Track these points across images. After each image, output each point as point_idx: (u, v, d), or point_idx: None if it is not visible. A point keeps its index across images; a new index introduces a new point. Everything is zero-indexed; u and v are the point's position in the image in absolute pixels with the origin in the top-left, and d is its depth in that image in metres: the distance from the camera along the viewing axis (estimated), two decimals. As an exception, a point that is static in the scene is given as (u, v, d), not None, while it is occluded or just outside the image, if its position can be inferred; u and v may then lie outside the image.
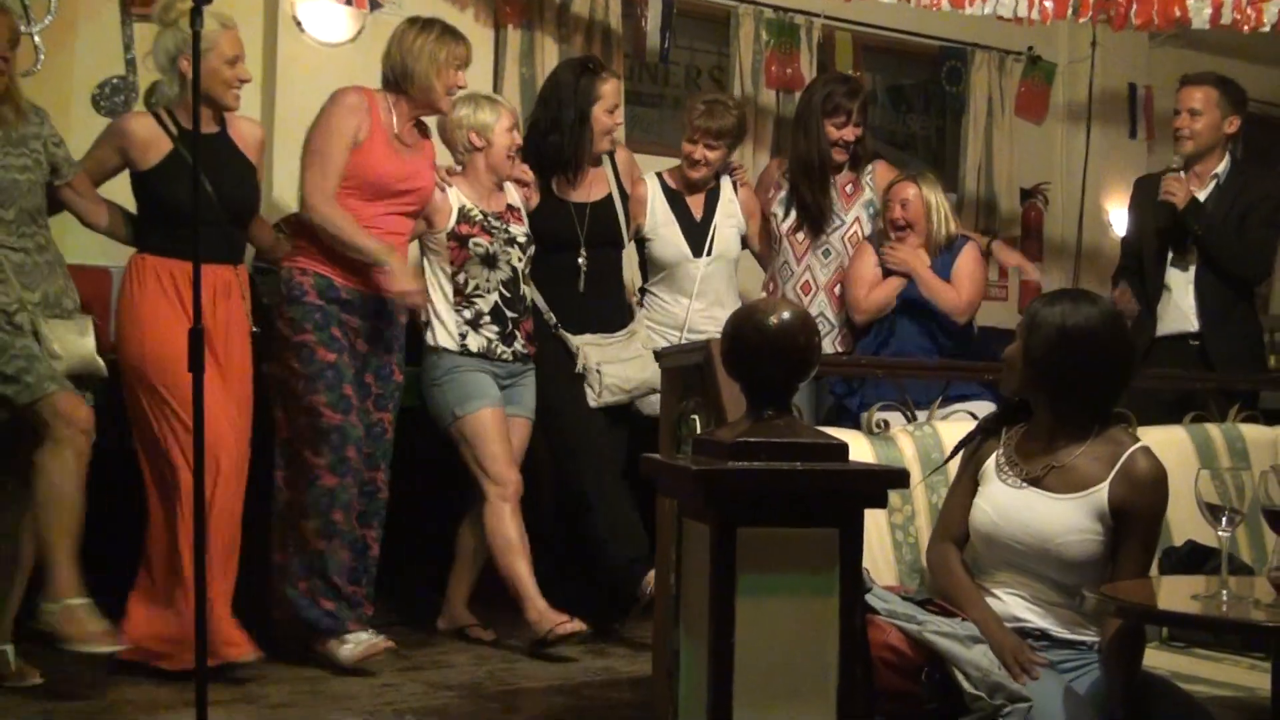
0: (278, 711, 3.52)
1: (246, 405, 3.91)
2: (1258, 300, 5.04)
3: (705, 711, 2.07)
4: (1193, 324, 4.65)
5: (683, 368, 3.14)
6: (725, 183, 4.76)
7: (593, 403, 4.39)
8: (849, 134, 4.68)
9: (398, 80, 4.07)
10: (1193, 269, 4.65)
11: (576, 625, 4.13)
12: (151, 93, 4.68)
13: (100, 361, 3.71)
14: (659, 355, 3.46)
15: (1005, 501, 2.69)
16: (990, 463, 2.76)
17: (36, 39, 4.56)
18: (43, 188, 3.71)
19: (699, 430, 2.93)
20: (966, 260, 4.56)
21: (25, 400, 3.50)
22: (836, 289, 4.67)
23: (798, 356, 2.16)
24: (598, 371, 4.37)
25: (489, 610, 4.44)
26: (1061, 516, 2.64)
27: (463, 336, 4.24)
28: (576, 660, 4.15)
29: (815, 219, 4.69)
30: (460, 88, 4.15)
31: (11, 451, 3.65)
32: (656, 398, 4.37)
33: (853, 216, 4.73)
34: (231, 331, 3.86)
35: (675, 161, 4.80)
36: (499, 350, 4.27)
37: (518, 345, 4.32)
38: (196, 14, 2.93)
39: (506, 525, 4.19)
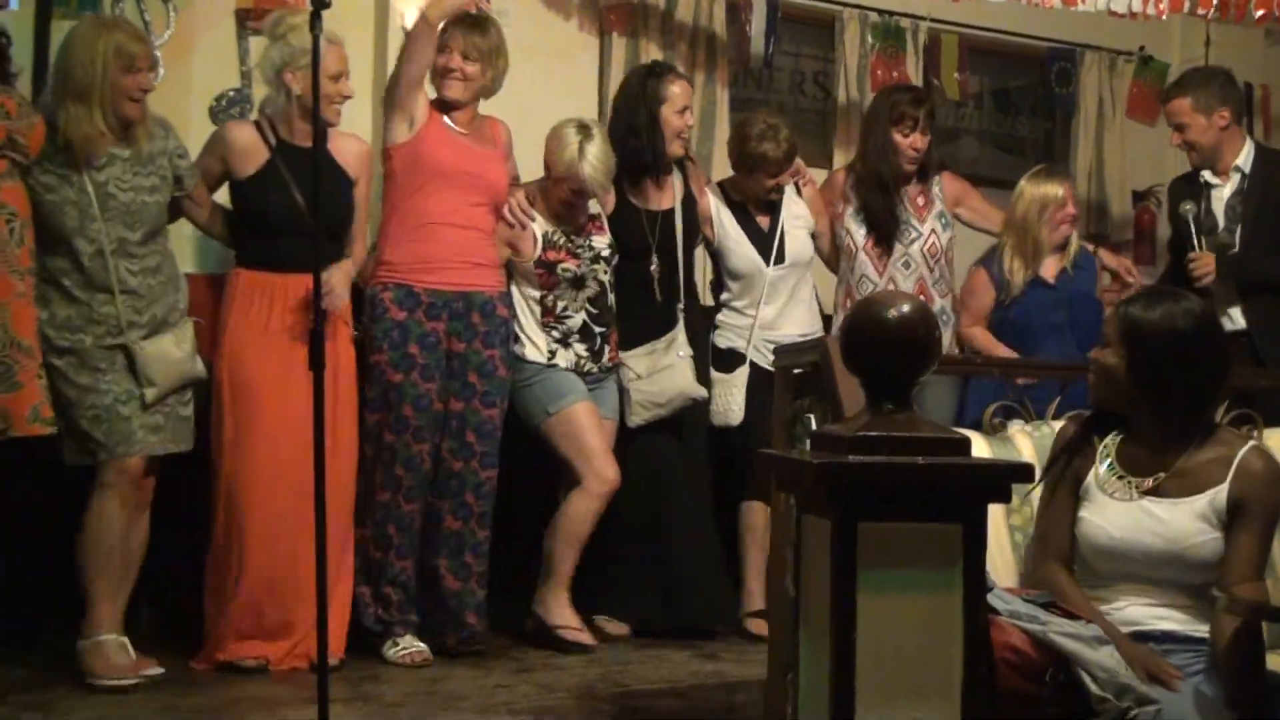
0: (392, 710, 3.55)
1: (352, 417, 4.00)
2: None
3: (828, 709, 2.05)
4: (1238, 322, 4.52)
5: (797, 366, 3.12)
6: (788, 187, 4.75)
7: (630, 423, 4.42)
8: (916, 141, 4.67)
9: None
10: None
11: (584, 638, 4.23)
12: (267, 104, 4.76)
13: (198, 365, 3.83)
14: (775, 353, 3.44)
15: (1120, 517, 2.62)
16: (1090, 478, 2.68)
17: (156, 54, 4.66)
18: (166, 206, 3.85)
19: (814, 428, 2.91)
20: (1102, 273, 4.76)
21: (99, 459, 3.67)
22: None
23: (918, 349, 2.14)
24: (628, 393, 4.42)
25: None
26: (1187, 520, 2.58)
27: (552, 354, 4.30)
28: (685, 663, 4.14)
29: (887, 228, 4.68)
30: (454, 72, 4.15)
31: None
32: (723, 410, 4.52)
33: (929, 228, 4.73)
34: (333, 344, 3.87)
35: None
36: (587, 366, 4.35)
37: (605, 359, 4.40)
38: (316, 18, 2.98)
39: (585, 519, 4.26)
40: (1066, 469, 2.72)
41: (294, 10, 4.09)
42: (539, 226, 4.33)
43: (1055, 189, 4.58)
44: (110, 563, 3.70)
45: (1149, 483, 2.63)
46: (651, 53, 5.35)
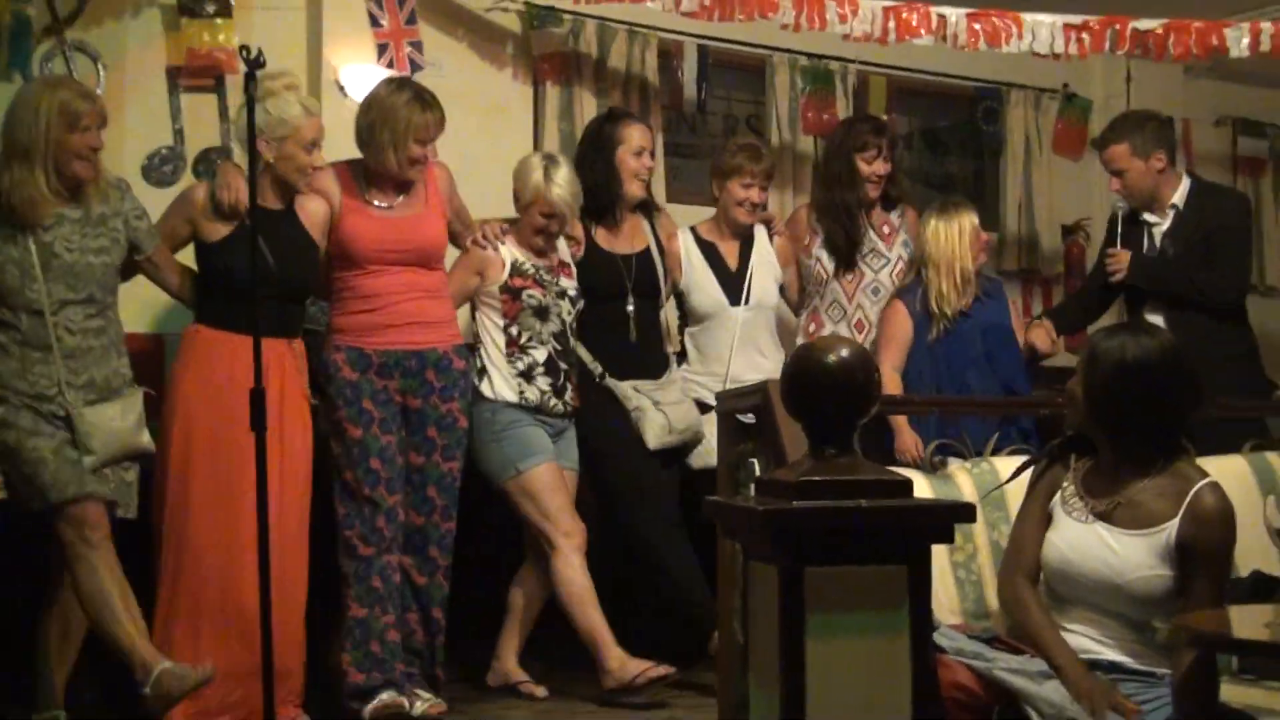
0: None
1: (303, 478, 3.95)
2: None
3: (780, 754, 2.06)
4: None
5: (740, 411, 3.15)
6: (759, 231, 4.83)
7: (652, 444, 4.40)
8: (880, 168, 4.79)
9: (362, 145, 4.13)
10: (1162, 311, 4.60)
11: (664, 669, 4.14)
12: (200, 162, 4.76)
13: (144, 437, 3.74)
14: (717, 399, 3.47)
15: (1074, 537, 2.67)
16: (1058, 497, 2.74)
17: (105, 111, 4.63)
18: (117, 269, 3.78)
19: (758, 473, 2.93)
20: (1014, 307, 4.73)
21: (39, 507, 3.57)
22: None
23: (859, 394, 2.17)
24: (657, 408, 4.41)
25: (540, 665, 4.44)
26: (1131, 554, 2.62)
27: (520, 388, 4.28)
28: (644, 709, 4.12)
29: (849, 253, 4.78)
30: (419, 161, 4.13)
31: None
32: (704, 450, 4.46)
33: (895, 255, 4.82)
34: (286, 406, 3.88)
35: (713, 210, 4.89)
36: (552, 403, 4.32)
37: (567, 397, 4.37)
38: (250, 79, 2.98)
39: (579, 574, 4.22)
40: (1042, 482, 2.79)
41: (275, 75, 3.98)
42: (508, 253, 4.35)
43: (970, 218, 4.55)
44: (123, 604, 3.58)
45: (1102, 506, 2.68)
46: (585, 100, 5.40)
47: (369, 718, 3.91)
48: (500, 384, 4.28)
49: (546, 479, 4.25)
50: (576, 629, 4.22)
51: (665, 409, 4.43)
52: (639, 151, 4.60)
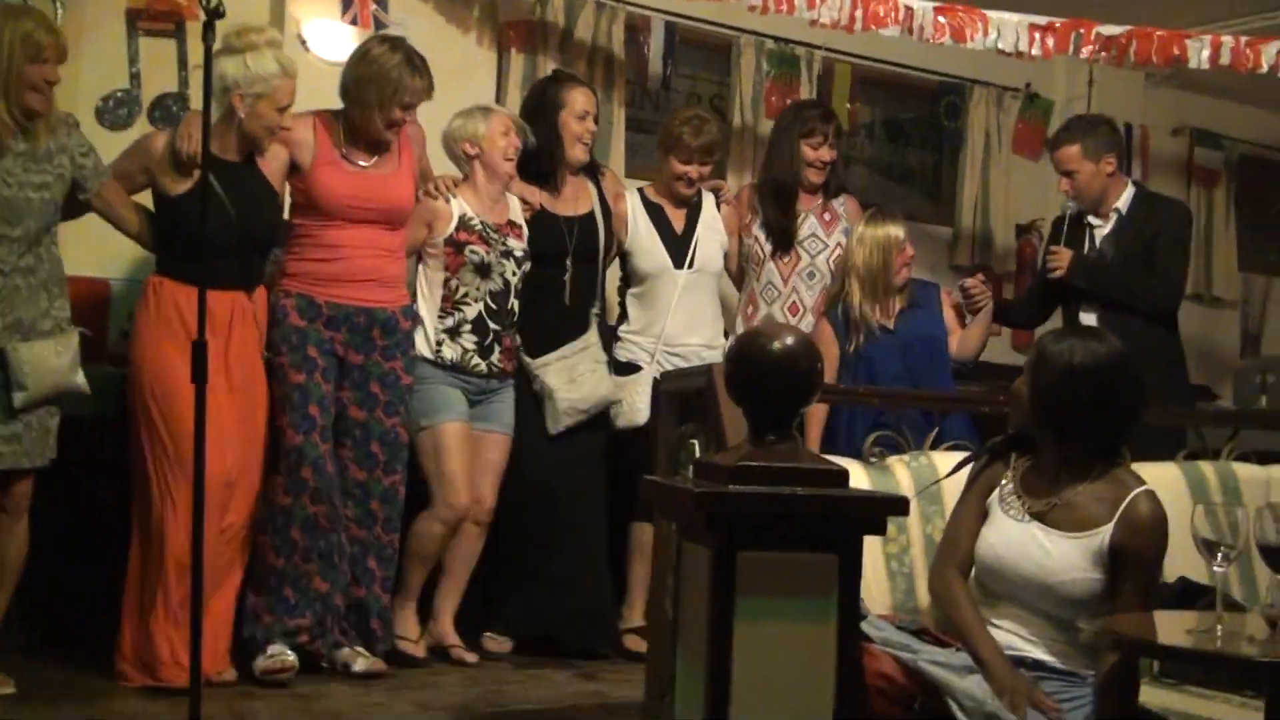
0: (266, 728, 3.51)
1: (255, 429, 3.92)
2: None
3: (702, 734, 2.08)
4: None
5: (683, 391, 3.16)
6: (707, 198, 4.85)
7: (551, 429, 4.44)
8: (825, 155, 4.82)
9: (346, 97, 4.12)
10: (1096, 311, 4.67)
11: (416, 650, 4.25)
12: (155, 107, 4.70)
13: (79, 379, 3.69)
14: (661, 378, 3.48)
15: (1009, 535, 2.70)
16: (995, 494, 2.77)
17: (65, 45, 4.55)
18: (57, 206, 3.70)
19: (698, 454, 2.94)
20: (949, 310, 4.68)
21: None
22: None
23: (801, 381, 2.19)
24: (559, 393, 4.43)
25: (474, 632, 4.45)
26: (1063, 556, 2.65)
27: (439, 344, 4.29)
28: (564, 684, 4.15)
29: (783, 238, 4.79)
30: (398, 124, 4.12)
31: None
32: (628, 409, 4.50)
33: (834, 241, 4.83)
34: (241, 357, 3.88)
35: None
36: (473, 362, 4.31)
37: (494, 358, 4.35)
38: (209, 28, 2.94)
39: (431, 540, 4.27)
40: (982, 478, 2.82)
41: (258, 29, 3.96)
42: (458, 206, 4.34)
43: (896, 230, 4.50)
44: None
45: (1039, 506, 2.71)
46: (549, 70, 5.37)
47: (258, 673, 3.87)
48: (420, 341, 4.27)
49: (447, 440, 4.26)
50: (401, 574, 4.26)
51: (562, 392, 4.42)
52: (582, 115, 4.61)
